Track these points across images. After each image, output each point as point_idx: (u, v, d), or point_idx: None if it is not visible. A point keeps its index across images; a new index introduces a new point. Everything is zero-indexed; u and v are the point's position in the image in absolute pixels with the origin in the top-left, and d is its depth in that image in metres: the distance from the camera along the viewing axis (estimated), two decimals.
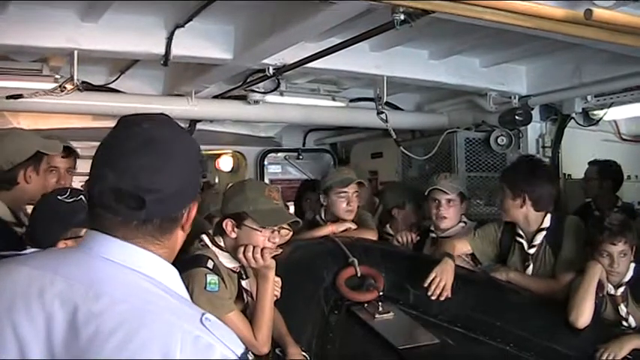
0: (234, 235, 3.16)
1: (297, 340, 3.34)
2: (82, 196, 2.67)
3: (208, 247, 3.22)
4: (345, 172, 4.79)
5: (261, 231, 3.13)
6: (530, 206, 4.12)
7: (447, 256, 3.96)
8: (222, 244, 3.22)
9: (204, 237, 3.26)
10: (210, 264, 3.09)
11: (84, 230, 2.60)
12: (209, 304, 2.88)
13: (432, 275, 3.82)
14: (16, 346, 1.34)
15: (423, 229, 4.80)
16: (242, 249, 3.12)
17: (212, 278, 3.01)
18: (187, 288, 2.89)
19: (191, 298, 2.91)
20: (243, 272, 3.29)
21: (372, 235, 4.57)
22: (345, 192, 4.53)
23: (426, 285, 3.81)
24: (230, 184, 3.34)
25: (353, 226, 4.50)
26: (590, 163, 6.13)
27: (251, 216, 3.13)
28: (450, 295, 3.81)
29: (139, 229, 1.47)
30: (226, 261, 3.21)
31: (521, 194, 4.10)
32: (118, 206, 1.44)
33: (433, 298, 3.79)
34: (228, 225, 3.16)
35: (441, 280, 3.81)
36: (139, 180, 1.43)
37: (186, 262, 2.98)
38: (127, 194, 1.43)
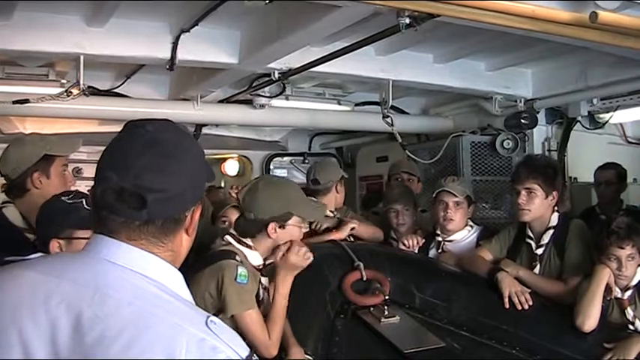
0: (274, 236, 3.27)
1: (303, 344, 3.35)
2: (83, 199, 2.69)
3: (233, 245, 3.29)
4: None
5: (301, 226, 3.34)
6: (554, 205, 4.15)
7: (497, 273, 4.00)
8: (249, 242, 3.30)
9: (229, 237, 3.33)
10: (238, 259, 3.18)
11: (78, 232, 2.63)
12: (236, 295, 3.01)
13: (506, 295, 3.86)
14: (20, 350, 1.34)
15: (428, 233, 4.79)
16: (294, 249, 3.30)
17: (242, 270, 3.09)
18: (217, 278, 3.02)
19: (220, 287, 3.02)
20: (263, 269, 3.36)
21: (377, 231, 4.76)
22: None
23: (507, 307, 3.84)
24: (249, 187, 3.38)
25: (357, 224, 4.53)
26: (605, 167, 6.02)
27: (298, 214, 3.30)
28: (530, 301, 3.84)
29: (142, 230, 1.48)
30: (253, 259, 3.28)
31: (552, 192, 4.10)
32: (120, 206, 1.45)
33: (524, 308, 3.83)
34: (273, 227, 3.25)
35: (517, 294, 3.86)
36: (141, 179, 1.44)
37: (216, 255, 3.17)
38: (128, 193, 1.43)
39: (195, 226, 1.60)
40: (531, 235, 4.19)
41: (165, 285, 1.47)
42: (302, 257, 3.29)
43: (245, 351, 1.38)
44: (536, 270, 4.11)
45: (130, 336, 1.30)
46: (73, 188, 3.54)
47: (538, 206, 4.09)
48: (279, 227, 3.26)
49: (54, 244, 2.65)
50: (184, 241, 1.59)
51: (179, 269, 1.57)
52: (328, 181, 4.69)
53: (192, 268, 2.92)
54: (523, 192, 4.07)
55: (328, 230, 4.43)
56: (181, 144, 1.55)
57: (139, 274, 1.45)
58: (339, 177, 4.79)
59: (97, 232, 1.51)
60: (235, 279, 3.03)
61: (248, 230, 3.32)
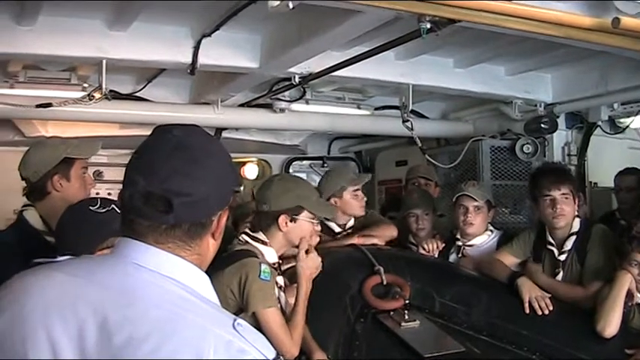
0: (285, 229, 3.34)
1: (324, 348, 3.36)
2: (113, 206, 2.67)
3: (250, 244, 3.34)
4: (344, 173, 4.90)
5: (313, 222, 3.41)
6: (577, 210, 4.18)
7: (517, 278, 4.01)
8: (264, 238, 3.36)
9: (245, 236, 3.40)
10: (259, 256, 3.25)
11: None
12: (260, 291, 3.06)
13: (526, 300, 3.88)
14: (49, 350, 1.36)
15: (448, 237, 4.79)
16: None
17: (265, 267, 3.15)
18: (240, 275, 3.06)
19: (244, 284, 3.06)
20: (279, 267, 3.41)
21: (391, 230, 4.63)
22: (359, 190, 4.61)
23: (528, 311, 3.86)
24: (265, 181, 3.55)
25: (380, 242, 4.47)
26: (625, 172, 5.97)
27: (309, 209, 3.37)
28: (550, 306, 3.85)
29: (169, 233, 1.49)
30: (269, 256, 3.33)
31: (576, 199, 4.15)
32: (147, 209, 1.46)
33: (545, 313, 3.84)
34: (284, 220, 3.33)
35: (537, 299, 3.87)
36: (168, 183, 1.45)
37: (236, 254, 3.23)
38: (155, 197, 1.44)
39: (222, 231, 1.61)
40: (552, 241, 4.18)
41: (193, 288, 1.48)
42: (315, 261, 3.37)
43: (271, 353, 1.40)
44: (559, 276, 4.10)
45: (157, 339, 1.32)
46: (93, 191, 3.58)
47: (571, 210, 4.12)
48: (290, 221, 3.33)
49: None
50: (211, 246, 1.59)
51: (205, 272, 1.58)
52: (320, 195, 4.57)
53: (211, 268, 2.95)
54: (559, 198, 4.07)
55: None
56: (208, 149, 1.56)
57: (167, 277, 1.46)
58: (336, 189, 4.53)
59: (125, 235, 1.53)
60: (259, 275, 3.08)
61: (261, 222, 3.40)
